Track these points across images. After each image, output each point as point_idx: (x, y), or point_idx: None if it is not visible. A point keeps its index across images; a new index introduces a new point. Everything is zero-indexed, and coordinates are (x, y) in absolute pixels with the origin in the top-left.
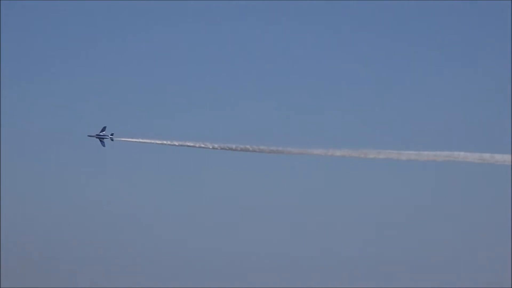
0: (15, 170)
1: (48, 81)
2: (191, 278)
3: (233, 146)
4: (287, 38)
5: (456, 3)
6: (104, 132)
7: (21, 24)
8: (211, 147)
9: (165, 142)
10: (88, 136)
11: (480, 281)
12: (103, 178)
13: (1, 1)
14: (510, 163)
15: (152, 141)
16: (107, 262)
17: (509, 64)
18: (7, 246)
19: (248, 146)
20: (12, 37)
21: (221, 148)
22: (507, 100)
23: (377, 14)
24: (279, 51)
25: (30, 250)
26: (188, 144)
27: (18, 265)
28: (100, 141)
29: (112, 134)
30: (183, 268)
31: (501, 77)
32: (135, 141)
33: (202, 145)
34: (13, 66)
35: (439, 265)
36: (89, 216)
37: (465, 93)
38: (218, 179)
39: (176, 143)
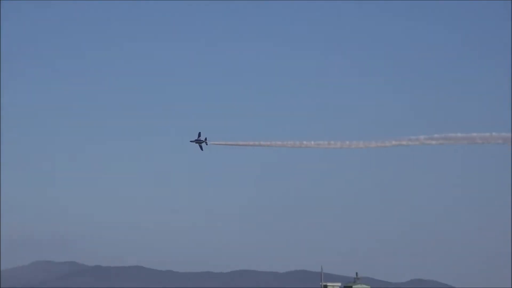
0: None
1: None
2: None
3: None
4: None
5: (456, 3)
6: (200, 137)
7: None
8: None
9: (261, 143)
10: (190, 141)
11: (480, 281)
12: None
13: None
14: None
15: (246, 143)
16: None
17: (509, 63)
18: None
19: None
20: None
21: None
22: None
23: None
24: None
25: None
26: (289, 144)
27: None
28: (199, 145)
29: (206, 139)
30: None
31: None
32: (228, 144)
33: (304, 144)
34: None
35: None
36: None
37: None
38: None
39: (273, 143)
